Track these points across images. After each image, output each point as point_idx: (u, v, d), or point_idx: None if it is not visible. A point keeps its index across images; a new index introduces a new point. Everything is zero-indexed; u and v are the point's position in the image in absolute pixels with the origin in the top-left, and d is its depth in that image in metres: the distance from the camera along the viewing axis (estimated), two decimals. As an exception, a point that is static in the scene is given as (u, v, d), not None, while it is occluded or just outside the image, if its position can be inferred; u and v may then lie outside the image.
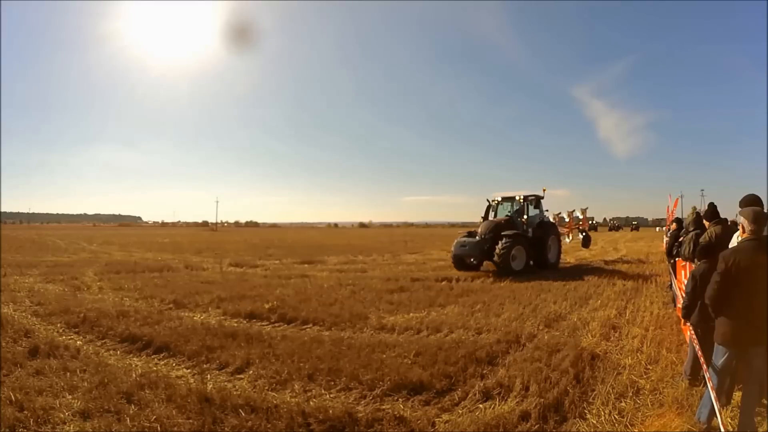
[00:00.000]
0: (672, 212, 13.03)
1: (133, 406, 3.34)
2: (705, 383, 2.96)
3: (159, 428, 3.02)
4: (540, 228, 12.80)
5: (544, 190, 13.67)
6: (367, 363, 4.26)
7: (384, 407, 3.39)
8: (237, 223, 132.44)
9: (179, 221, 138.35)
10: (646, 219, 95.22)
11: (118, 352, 4.87)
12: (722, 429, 2.31)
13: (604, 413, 3.28)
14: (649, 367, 4.27)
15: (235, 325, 6.02)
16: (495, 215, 13.27)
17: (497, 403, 3.48)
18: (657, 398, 3.55)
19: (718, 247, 3.58)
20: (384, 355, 4.52)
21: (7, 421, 3.09)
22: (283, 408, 3.30)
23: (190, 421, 3.14)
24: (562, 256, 14.48)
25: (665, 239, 11.14)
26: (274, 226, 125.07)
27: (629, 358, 4.51)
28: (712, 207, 4.84)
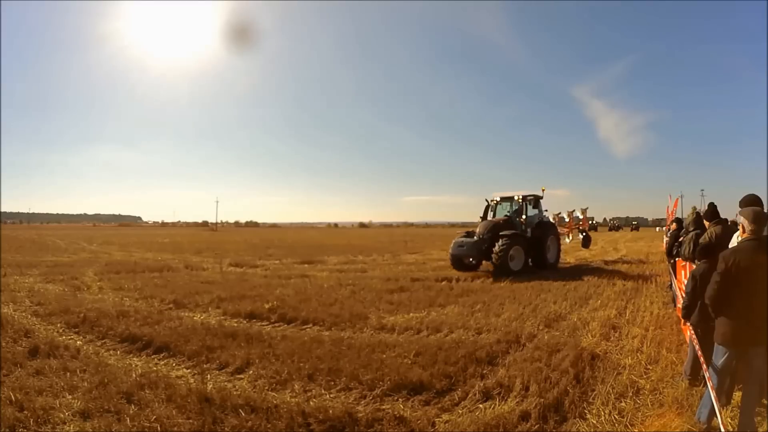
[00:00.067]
0: (672, 212, 13.03)
1: (133, 406, 3.34)
2: (705, 383, 2.96)
3: (159, 428, 3.02)
4: (539, 228, 12.77)
5: (543, 190, 13.65)
6: (367, 363, 4.26)
7: (384, 407, 3.39)
8: (237, 223, 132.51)
9: (179, 221, 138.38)
10: (646, 219, 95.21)
11: (118, 352, 4.87)
12: (722, 429, 2.31)
13: (604, 413, 3.28)
14: (649, 367, 4.27)
15: (235, 325, 6.02)
16: (494, 215, 13.24)
17: (497, 403, 3.48)
18: (657, 398, 3.55)
19: (718, 247, 3.58)
20: (384, 355, 4.53)
21: (7, 421, 3.09)
22: (283, 408, 3.30)
23: (190, 421, 3.14)
24: (562, 256, 14.47)
25: (665, 239, 11.14)
26: (274, 226, 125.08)
27: (629, 358, 4.51)
28: (712, 207, 4.84)
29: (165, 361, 4.58)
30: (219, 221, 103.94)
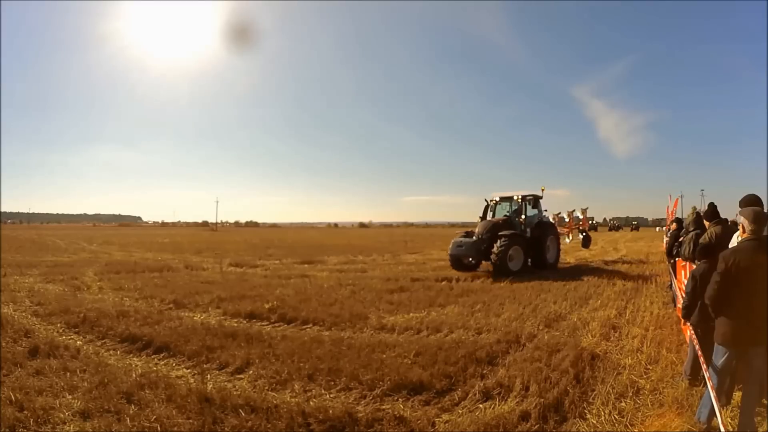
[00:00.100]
0: (672, 212, 13.04)
1: (133, 406, 3.34)
2: (705, 383, 2.96)
3: (159, 428, 3.02)
4: (538, 228, 12.74)
5: (542, 190, 13.61)
6: (367, 363, 4.26)
7: (384, 407, 3.39)
8: (237, 223, 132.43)
9: (179, 221, 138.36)
10: (646, 219, 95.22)
11: (118, 352, 4.87)
12: (722, 429, 2.31)
13: (604, 413, 3.28)
14: (649, 367, 4.27)
15: (235, 325, 6.02)
16: (493, 215, 13.21)
17: (497, 403, 3.48)
18: (657, 398, 3.55)
19: (718, 247, 3.58)
20: (384, 355, 4.53)
21: (7, 421, 3.09)
22: (283, 408, 3.30)
23: (190, 421, 3.14)
24: (561, 256, 14.45)
25: (665, 239, 11.14)
26: (274, 226, 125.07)
27: (629, 358, 4.51)
28: (712, 207, 4.84)
29: (165, 361, 4.58)
30: (219, 221, 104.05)
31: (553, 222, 15.18)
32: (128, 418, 3.14)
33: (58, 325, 5.95)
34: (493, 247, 11.20)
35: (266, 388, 3.78)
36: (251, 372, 4.15)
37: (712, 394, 2.62)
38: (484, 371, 4.16)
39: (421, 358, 4.43)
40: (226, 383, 3.90)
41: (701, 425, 2.97)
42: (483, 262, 11.98)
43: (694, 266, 3.85)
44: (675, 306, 6.52)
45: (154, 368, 4.31)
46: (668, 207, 14.11)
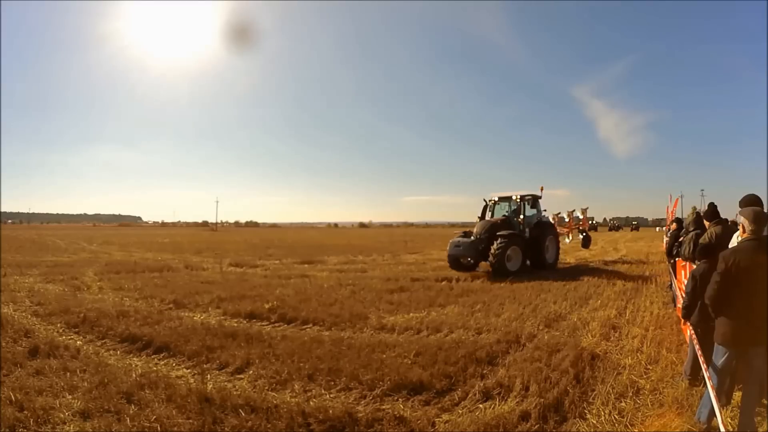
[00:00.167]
0: (672, 212, 13.04)
1: (133, 406, 3.34)
2: (705, 383, 2.96)
3: (159, 428, 3.02)
4: (537, 228, 12.71)
5: (541, 189, 13.56)
6: (367, 363, 4.26)
7: (384, 407, 3.39)
8: (237, 223, 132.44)
9: (179, 221, 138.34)
10: (646, 219, 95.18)
11: (118, 352, 4.87)
12: (722, 429, 2.31)
13: (604, 413, 3.28)
14: (649, 367, 4.27)
15: (235, 325, 6.02)
16: (492, 215, 13.18)
17: (497, 403, 3.48)
18: (657, 398, 3.55)
19: (718, 247, 3.58)
20: (384, 355, 4.53)
21: (7, 421, 3.09)
22: (283, 408, 3.30)
23: (190, 421, 3.14)
24: (561, 256, 14.43)
25: (665, 239, 11.14)
26: (274, 226, 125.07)
27: (629, 358, 4.51)
28: (712, 207, 4.84)
29: (165, 361, 4.58)
30: (219, 221, 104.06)
31: (552, 222, 15.15)
32: (128, 418, 3.14)
33: (58, 325, 5.95)
34: (491, 247, 11.18)
35: (266, 388, 3.78)
36: (251, 372, 4.15)
37: (712, 394, 2.62)
38: (484, 371, 4.16)
39: (421, 358, 4.43)
40: (226, 383, 3.90)
41: (701, 425, 2.97)
42: (482, 262, 11.96)
43: (694, 266, 3.85)
44: (675, 306, 6.52)
45: (154, 368, 4.31)
46: (668, 207, 14.12)
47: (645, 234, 44.43)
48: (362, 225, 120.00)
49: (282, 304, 7.08)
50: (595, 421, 3.18)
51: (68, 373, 4.03)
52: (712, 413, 2.82)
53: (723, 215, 4.78)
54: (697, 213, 6.35)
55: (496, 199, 13.39)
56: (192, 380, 3.96)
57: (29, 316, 6.44)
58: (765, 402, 3.10)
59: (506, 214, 12.96)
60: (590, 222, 33.40)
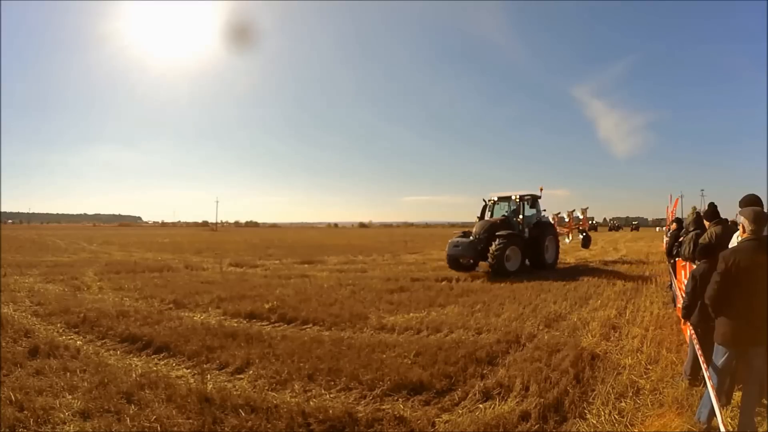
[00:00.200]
0: (672, 212, 13.05)
1: (133, 406, 3.34)
2: (705, 383, 2.96)
3: (159, 428, 3.02)
4: (537, 228, 12.69)
5: (541, 189, 13.53)
6: (367, 363, 4.26)
7: (384, 407, 3.39)
8: (237, 223, 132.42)
9: (179, 221, 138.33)
10: (646, 219, 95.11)
11: (118, 352, 4.87)
12: (722, 429, 2.31)
13: (604, 413, 3.28)
14: (649, 367, 4.28)
15: (235, 325, 6.02)
16: (491, 215, 13.17)
17: (497, 403, 3.48)
18: (657, 398, 3.55)
19: (718, 247, 3.58)
20: (384, 355, 4.53)
21: (7, 421, 3.09)
22: (283, 408, 3.30)
23: (190, 421, 3.14)
24: (561, 256, 14.41)
25: (665, 239, 11.15)
26: (274, 226, 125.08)
27: (629, 358, 4.52)
28: (712, 207, 4.84)
29: (165, 361, 4.58)
30: (219, 221, 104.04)
31: (552, 222, 15.14)
32: (128, 418, 3.14)
33: (58, 325, 5.96)
34: (490, 247, 11.17)
35: (266, 388, 3.78)
36: (251, 372, 4.15)
37: (712, 394, 2.62)
38: (484, 371, 4.16)
39: (421, 358, 4.43)
40: (226, 383, 3.90)
41: (701, 425, 2.97)
42: (482, 262, 11.95)
43: (694, 266, 3.85)
44: (675, 306, 6.52)
45: (154, 368, 4.31)
46: (668, 207, 14.13)
47: (645, 234, 44.43)
48: (362, 225, 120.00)
49: (282, 304, 7.08)
50: (595, 421, 3.18)
51: (68, 373, 4.03)
52: (712, 413, 2.82)
53: (723, 215, 4.79)
54: (697, 213, 6.35)
55: (496, 199, 13.36)
56: (192, 380, 3.96)
57: (29, 316, 6.44)
58: (765, 402, 3.10)
59: (505, 214, 12.95)
60: (590, 222, 33.39)
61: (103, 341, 5.24)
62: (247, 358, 4.45)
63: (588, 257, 16.68)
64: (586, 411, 3.34)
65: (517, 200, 12.72)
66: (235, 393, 3.60)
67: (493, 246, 11.07)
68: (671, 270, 8.01)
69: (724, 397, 3.13)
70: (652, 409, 3.35)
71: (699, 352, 3.16)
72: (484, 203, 13.31)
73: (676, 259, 6.88)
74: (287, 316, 6.35)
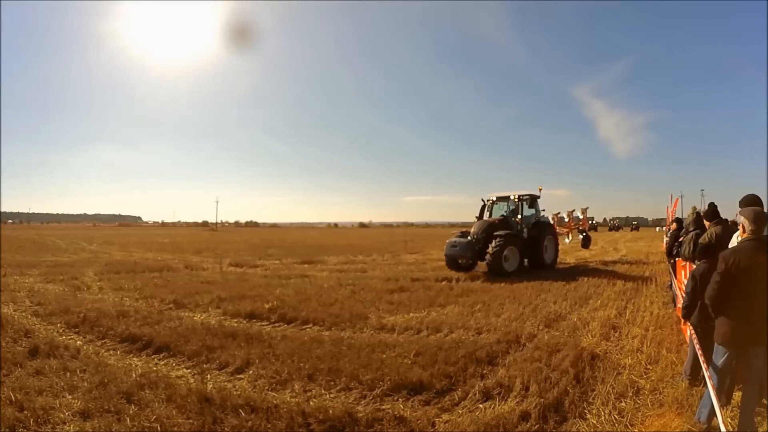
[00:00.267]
0: (672, 212, 13.06)
1: (133, 406, 3.34)
2: (705, 383, 2.96)
3: (159, 428, 3.02)
4: (536, 228, 12.67)
5: (540, 189, 13.48)
6: (367, 363, 4.27)
7: (384, 407, 3.39)
8: (237, 223, 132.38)
9: (179, 221, 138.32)
10: (646, 219, 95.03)
11: (118, 352, 4.87)
12: (722, 429, 2.31)
13: (604, 413, 3.28)
14: (649, 367, 4.28)
15: (235, 325, 6.02)
16: (490, 215, 13.12)
17: (497, 403, 3.48)
18: (657, 398, 3.55)
19: (718, 247, 3.59)
20: (384, 355, 4.53)
21: (7, 421, 3.09)
22: (283, 408, 3.30)
23: (190, 421, 3.14)
24: (561, 256, 14.39)
25: (665, 239, 11.15)
26: (274, 226, 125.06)
27: (629, 358, 4.52)
28: (712, 207, 4.85)
29: (165, 361, 4.58)
30: (219, 221, 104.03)
31: (551, 222, 15.13)
32: (128, 418, 3.14)
33: (58, 325, 5.96)
34: (488, 247, 11.14)
35: (266, 388, 3.78)
36: (251, 372, 4.15)
37: (712, 394, 2.62)
38: (484, 371, 4.16)
39: (421, 358, 4.43)
40: (226, 383, 3.91)
41: (701, 425, 2.97)
42: (480, 262, 11.91)
43: (694, 266, 3.85)
44: (675, 306, 6.52)
45: (154, 368, 4.31)
46: (668, 207, 14.14)
47: (645, 234, 44.44)
48: (362, 225, 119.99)
49: (282, 304, 7.08)
50: (595, 421, 3.18)
51: (68, 373, 4.03)
52: (712, 413, 2.82)
53: (723, 215, 4.79)
54: (697, 213, 6.35)
55: (494, 199, 13.32)
56: (192, 380, 3.96)
57: (29, 316, 6.44)
58: (765, 402, 3.10)
59: (504, 214, 12.92)
60: (590, 222, 33.41)
61: (103, 341, 5.24)
62: (247, 358, 4.45)
63: (588, 257, 16.69)
64: (586, 411, 3.34)
65: (516, 200, 12.69)
66: (235, 393, 3.60)
67: (491, 246, 11.04)
68: (671, 270, 8.01)
69: (724, 397, 3.13)
70: (652, 409, 3.35)
71: (699, 352, 3.16)
72: (482, 203, 13.28)
73: (676, 259, 6.89)
74: (287, 316, 6.35)
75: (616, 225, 62.14)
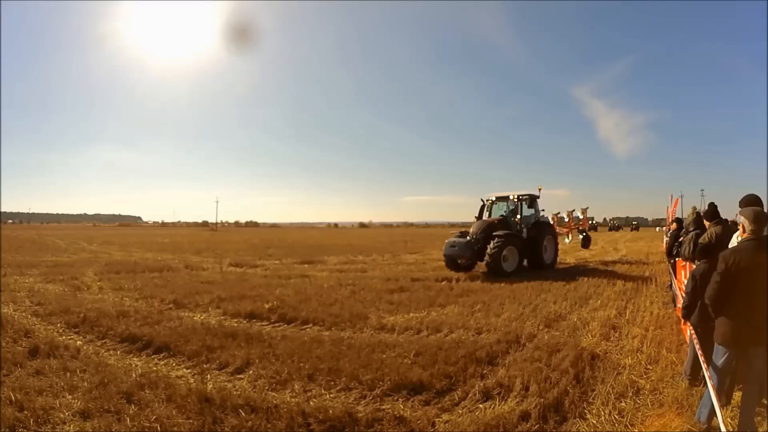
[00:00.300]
0: (672, 212, 13.05)
1: (133, 406, 3.34)
2: (705, 383, 2.96)
3: (159, 428, 3.02)
4: (535, 228, 12.64)
5: (539, 189, 13.45)
6: (367, 363, 4.26)
7: (384, 407, 3.39)
8: (237, 223, 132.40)
9: (179, 221, 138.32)
10: (646, 219, 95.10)
11: (118, 352, 4.87)
12: (722, 429, 2.31)
13: (604, 413, 3.28)
14: (649, 367, 4.28)
15: (235, 325, 6.02)
16: (489, 215, 13.10)
17: (497, 403, 3.48)
18: (657, 398, 3.55)
19: (718, 247, 3.59)
20: (384, 355, 4.53)
21: (7, 421, 3.09)
22: (283, 408, 3.30)
23: (190, 421, 3.14)
24: (561, 256, 14.37)
25: (665, 239, 11.15)
26: (274, 226, 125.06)
27: (629, 358, 4.52)
28: (712, 207, 4.85)
29: (165, 361, 4.58)
30: (219, 221, 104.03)
31: (551, 222, 15.11)
32: (128, 418, 3.14)
33: (58, 325, 5.95)
34: (487, 247, 11.12)
35: (266, 388, 3.78)
36: (251, 372, 4.15)
37: (712, 394, 2.62)
38: (484, 371, 4.16)
39: (421, 358, 4.43)
40: (226, 383, 3.90)
41: (701, 425, 2.97)
42: (479, 262, 11.87)
43: (694, 266, 3.85)
44: (675, 306, 6.52)
45: (154, 368, 4.31)
46: (668, 207, 14.13)
47: (645, 234, 44.43)
48: (362, 225, 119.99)
49: (282, 304, 7.08)
50: (595, 421, 3.18)
51: (68, 373, 4.03)
52: (712, 413, 2.82)
53: (723, 215, 4.79)
54: (697, 213, 6.36)
55: (494, 198, 13.30)
56: (192, 380, 3.96)
57: (29, 316, 6.44)
58: (765, 402, 3.10)
59: (504, 214, 12.91)
60: (590, 222, 33.40)
61: (103, 341, 5.24)
62: (247, 358, 4.45)
63: (588, 257, 16.68)
64: (586, 411, 3.34)
65: (515, 200, 12.68)
66: (235, 393, 3.60)
67: (490, 246, 11.02)
68: (671, 270, 8.01)
69: (724, 397, 3.13)
70: (652, 409, 3.35)
71: (699, 352, 3.16)
72: (482, 203, 13.27)
73: (676, 259, 6.89)
74: (287, 316, 6.35)
75: (616, 225, 62.15)
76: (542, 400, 3.44)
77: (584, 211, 19.04)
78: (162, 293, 8.22)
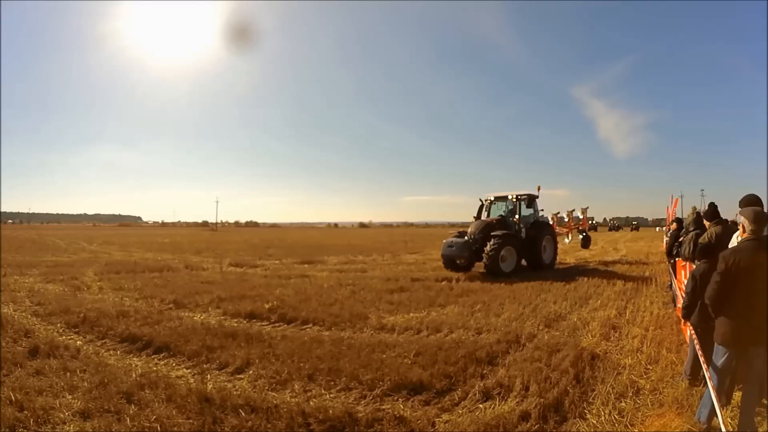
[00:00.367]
0: (672, 212, 13.05)
1: (133, 406, 3.34)
2: (705, 383, 2.96)
3: (159, 428, 3.02)
4: (534, 228, 12.61)
5: (538, 189, 13.40)
6: (367, 363, 4.26)
7: (384, 407, 3.39)
8: (237, 223, 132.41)
9: (179, 221, 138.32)
10: (646, 219, 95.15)
11: (118, 352, 4.87)
12: (722, 429, 2.31)
13: (604, 413, 3.28)
14: (649, 367, 4.27)
15: (235, 325, 6.02)
16: (488, 215, 13.06)
17: (497, 403, 3.48)
18: (657, 398, 3.55)
19: (718, 247, 3.59)
20: (384, 355, 4.53)
21: (7, 421, 3.09)
22: (283, 408, 3.30)
23: (190, 421, 3.14)
24: (561, 256, 14.35)
25: (665, 239, 11.15)
26: (274, 226, 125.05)
27: (629, 358, 4.51)
28: (713, 207, 4.85)
29: (165, 361, 4.58)
30: (219, 221, 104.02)
31: (550, 222, 15.07)
32: (128, 418, 3.14)
33: (58, 325, 5.95)
34: (485, 247, 11.07)
35: (266, 388, 3.78)
36: (251, 372, 4.15)
37: (713, 394, 2.62)
38: (484, 371, 4.16)
39: (421, 358, 4.43)
40: (226, 383, 3.90)
41: (701, 425, 2.97)
42: (477, 262, 11.82)
43: (694, 266, 3.85)
44: (675, 306, 6.52)
45: (154, 368, 4.31)
46: (668, 207, 14.14)
47: (645, 234, 44.43)
48: (362, 225, 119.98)
49: (282, 304, 7.08)
50: (595, 421, 3.18)
51: (68, 373, 4.02)
52: (712, 413, 2.82)
53: (723, 215, 4.79)
54: (697, 213, 6.36)
55: (492, 198, 13.26)
56: (192, 380, 3.96)
57: (29, 316, 6.44)
58: (765, 402, 3.10)
59: (502, 214, 12.87)
60: (590, 222, 33.37)
61: (103, 341, 5.24)
62: (247, 358, 4.45)
63: (588, 257, 16.68)
64: (586, 411, 3.34)
65: (514, 200, 12.64)
66: (235, 393, 3.60)
67: (488, 246, 10.97)
68: (671, 270, 8.01)
69: (724, 397, 3.13)
70: (652, 409, 3.35)
71: (699, 352, 3.16)
72: (480, 203, 13.25)
73: (676, 259, 6.88)
74: (287, 316, 6.35)
75: (616, 225, 62.15)
76: (542, 400, 3.44)
77: (584, 211, 19.01)
78: (162, 293, 8.22)
